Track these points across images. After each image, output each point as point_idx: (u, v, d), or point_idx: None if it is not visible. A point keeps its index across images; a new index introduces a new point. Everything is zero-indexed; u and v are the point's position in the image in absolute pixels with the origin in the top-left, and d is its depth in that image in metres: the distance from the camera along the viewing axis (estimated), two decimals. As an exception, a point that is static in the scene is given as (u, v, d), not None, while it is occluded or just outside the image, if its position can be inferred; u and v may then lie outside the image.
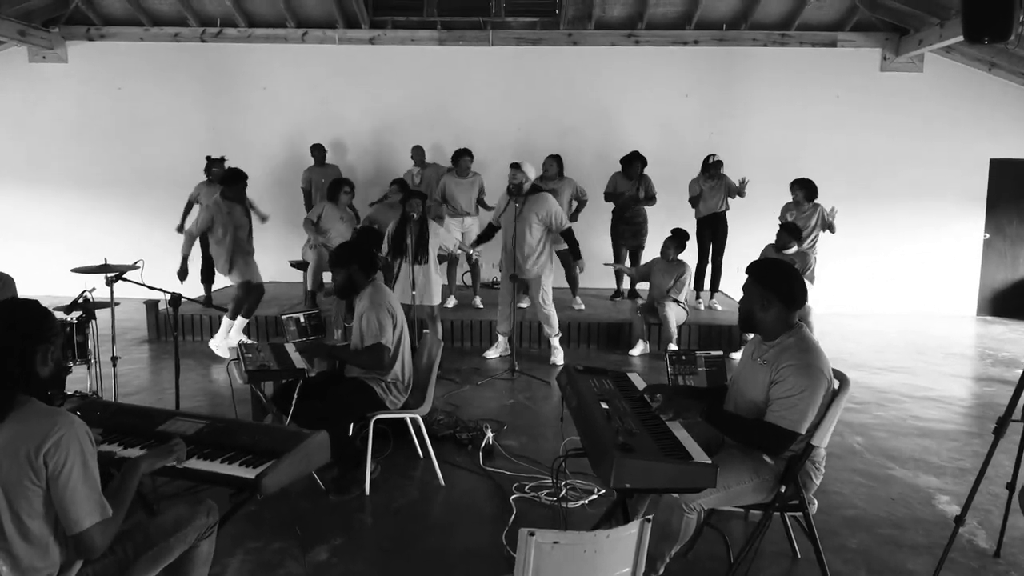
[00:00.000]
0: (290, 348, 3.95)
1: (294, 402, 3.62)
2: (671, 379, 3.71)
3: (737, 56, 8.99)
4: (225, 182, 6.37)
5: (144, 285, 4.28)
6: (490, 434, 4.40)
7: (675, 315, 6.75)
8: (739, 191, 7.51)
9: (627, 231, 8.08)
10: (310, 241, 7.21)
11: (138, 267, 4.41)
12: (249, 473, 2.20)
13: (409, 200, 5.87)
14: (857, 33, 8.85)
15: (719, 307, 7.98)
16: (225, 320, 6.51)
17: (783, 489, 2.75)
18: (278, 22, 8.98)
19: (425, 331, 6.17)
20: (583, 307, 7.73)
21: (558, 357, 6.49)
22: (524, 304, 7.81)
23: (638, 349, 6.89)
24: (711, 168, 7.66)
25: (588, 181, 8.08)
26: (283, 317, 4.61)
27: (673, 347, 6.66)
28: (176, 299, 4.17)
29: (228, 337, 6.53)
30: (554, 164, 7.61)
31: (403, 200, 6.03)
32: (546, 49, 9.02)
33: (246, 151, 8.03)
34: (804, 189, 7.26)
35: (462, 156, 7.69)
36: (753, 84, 9.02)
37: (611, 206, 8.09)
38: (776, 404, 2.67)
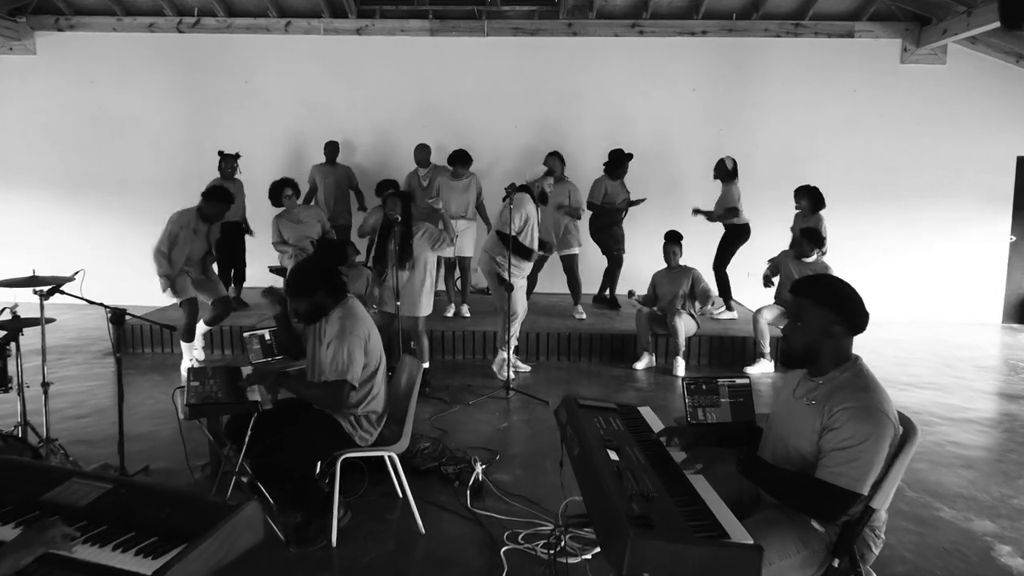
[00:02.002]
0: (247, 373, 3.41)
1: (247, 441, 3.08)
2: (688, 412, 3.17)
3: (748, 48, 8.45)
4: (207, 197, 5.78)
5: (82, 299, 3.75)
6: (480, 468, 3.86)
7: (685, 326, 6.21)
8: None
9: (620, 232, 7.57)
10: (284, 251, 6.71)
11: (75, 279, 3.86)
12: (146, 567, 1.66)
13: (387, 200, 5.34)
14: (876, 23, 8.31)
15: (735, 316, 7.49)
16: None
17: (836, 563, 2.21)
18: (260, 11, 8.45)
19: (413, 346, 5.63)
20: (584, 316, 7.20)
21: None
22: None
23: (643, 363, 6.36)
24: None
25: (586, 181, 7.54)
26: (246, 334, 4.07)
27: (680, 365, 6.11)
28: (119, 316, 3.65)
29: (193, 352, 6.07)
30: (555, 161, 7.08)
31: (383, 201, 5.50)
32: (545, 40, 8.48)
33: (227, 149, 7.48)
34: (807, 198, 6.75)
35: (460, 157, 7.13)
36: (765, 78, 8.48)
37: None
38: (831, 457, 2.14)
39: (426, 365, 5.57)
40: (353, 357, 3.10)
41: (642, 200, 7.49)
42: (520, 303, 5.81)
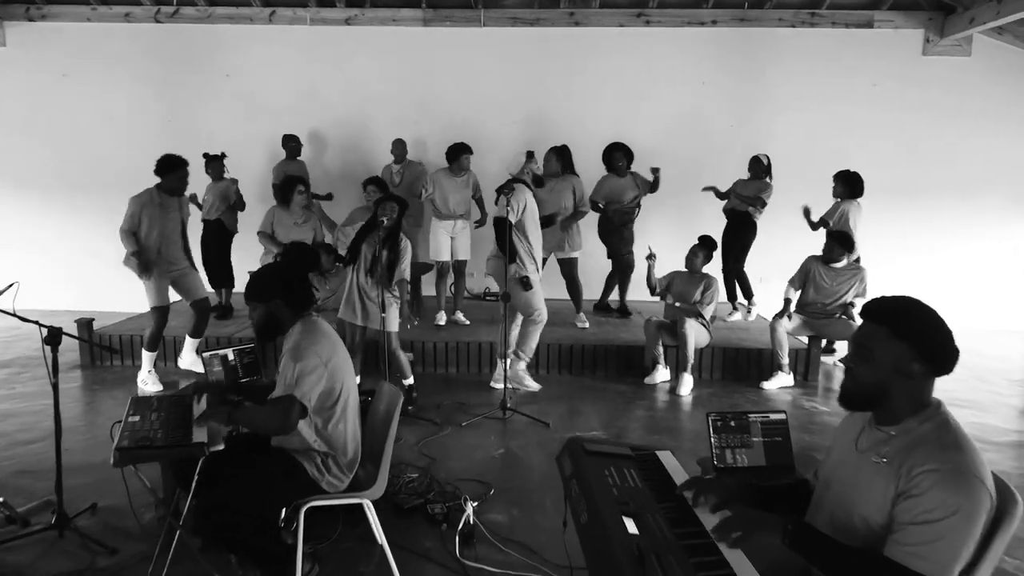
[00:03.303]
0: (198, 409, 2.92)
1: (193, 487, 2.60)
2: (715, 453, 2.69)
3: (760, 39, 7.95)
4: (160, 171, 5.32)
5: (11, 314, 3.27)
6: (471, 509, 3.37)
7: (696, 335, 5.72)
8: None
9: (632, 234, 7.05)
10: (269, 251, 6.22)
11: (7, 291, 3.37)
12: None
13: (383, 203, 4.86)
14: (896, 12, 7.81)
15: (750, 318, 7.07)
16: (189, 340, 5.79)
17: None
18: (242, 0, 7.95)
19: (400, 374, 5.15)
20: (587, 324, 6.71)
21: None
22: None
23: (656, 376, 5.85)
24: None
25: (591, 178, 7.07)
26: (205, 354, 3.59)
27: (687, 383, 5.60)
28: (55, 335, 3.17)
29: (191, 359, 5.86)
30: (553, 157, 6.56)
31: (377, 202, 5.02)
32: (545, 31, 7.98)
33: (208, 146, 7.01)
34: (841, 181, 6.46)
35: (461, 152, 6.60)
36: (778, 70, 7.98)
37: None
38: (909, 533, 1.65)
39: (410, 381, 5.09)
40: (303, 375, 2.61)
41: (653, 185, 6.92)
42: (540, 304, 5.29)
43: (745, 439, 2.71)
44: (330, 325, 2.91)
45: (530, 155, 5.46)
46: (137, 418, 2.75)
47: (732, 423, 2.73)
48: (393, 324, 4.90)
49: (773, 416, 2.76)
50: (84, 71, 8.15)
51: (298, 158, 7.53)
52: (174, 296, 5.56)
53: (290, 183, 6.24)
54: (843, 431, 2.01)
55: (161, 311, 5.41)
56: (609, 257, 7.19)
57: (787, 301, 5.96)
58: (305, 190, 6.27)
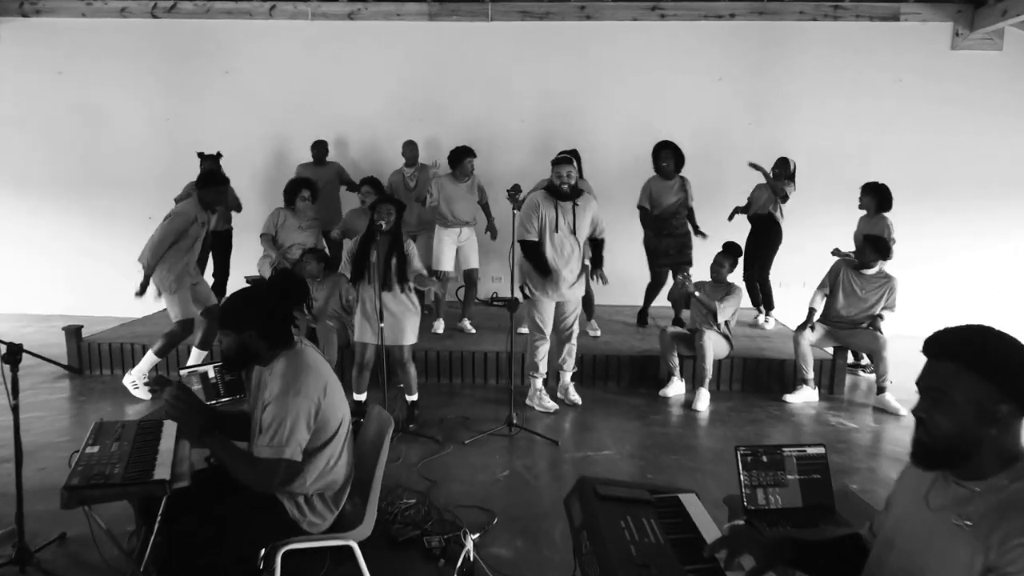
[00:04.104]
0: (167, 434, 2.64)
1: (156, 526, 2.31)
2: (745, 494, 2.38)
3: (780, 32, 7.60)
4: (202, 184, 5.27)
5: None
6: (471, 544, 3.07)
7: (714, 347, 5.40)
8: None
9: (671, 245, 6.51)
10: (268, 255, 5.95)
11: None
12: None
13: (379, 207, 4.55)
14: (924, 4, 7.44)
15: (768, 325, 6.76)
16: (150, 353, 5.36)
17: None
18: (241, -6, 7.69)
19: (399, 386, 4.86)
20: (599, 333, 6.40)
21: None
22: (523, 330, 6.51)
23: (672, 389, 5.52)
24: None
25: (603, 181, 6.75)
26: (183, 372, 3.31)
27: (704, 398, 5.27)
28: (14, 352, 2.90)
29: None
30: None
31: (372, 206, 4.70)
32: (555, 25, 7.66)
33: (206, 146, 6.75)
34: (871, 194, 6.04)
35: (464, 156, 6.22)
36: (799, 66, 7.63)
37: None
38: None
39: (414, 398, 4.79)
40: (296, 428, 2.31)
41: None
42: (536, 322, 5.10)
43: (779, 476, 2.40)
44: (315, 350, 2.60)
45: (564, 160, 4.95)
46: (96, 448, 2.47)
47: (764, 458, 2.42)
48: (411, 336, 4.62)
49: (811, 450, 2.45)
50: (79, 68, 7.90)
51: (328, 161, 7.25)
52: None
53: (295, 187, 5.97)
54: (907, 482, 1.69)
55: (187, 324, 5.29)
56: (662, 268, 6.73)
57: (811, 311, 5.62)
58: (310, 195, 5.99)
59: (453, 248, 6.37)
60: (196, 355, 5.61)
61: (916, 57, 7.53)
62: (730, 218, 6.92)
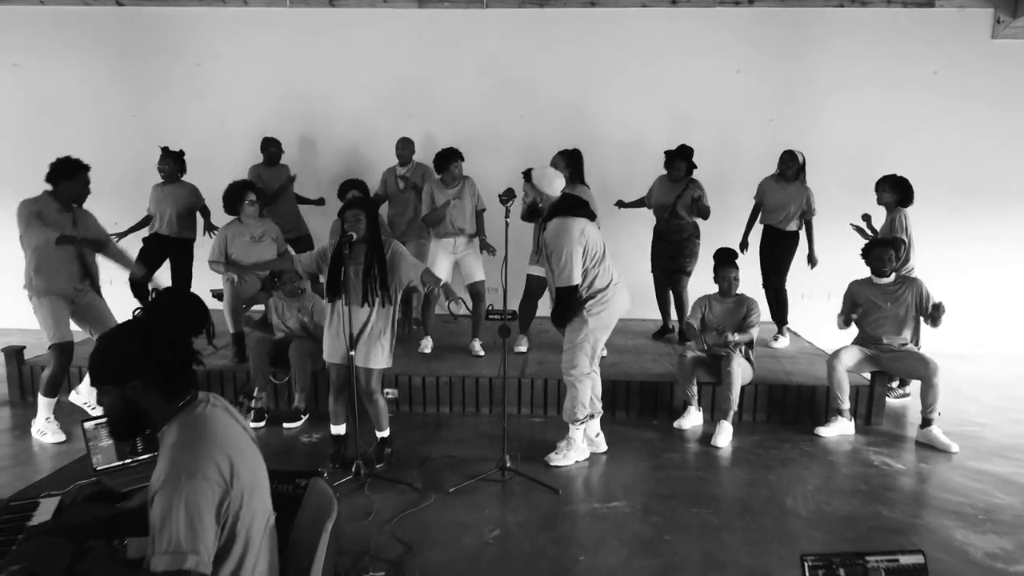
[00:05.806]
0: (47, 506, 1.98)
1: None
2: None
3: (804, 19, 6.93)
4: (53, 177, 4.58)
5: None
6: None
7: (742, 373, 4.74)
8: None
9: (664, 250, 6.06)
10: (229, 277, 5.31)
11: None
12: None
13: (346, 214, 3.89)
14: (962, -12, 6.79)
15: (778, 343, 6.13)
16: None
17: None
18: (214, -21, 7.05)
19: (375, 425, 4.18)
20: (605, 353, 5.72)
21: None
22: (523, 348, 5.86)
23: (689, 420, 4.86)
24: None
25: (610, 183, 6.11)
26: (87, 424, 2.65)
27: (726, 433, 4.59)
28: None
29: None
30: (561, 163, 5.33)
31: (340, 213, 4.02)
32: (556, 12, 7.00)
33: (176, 144, 6.11)
34: (888, 187, 5.49)
35: (451, 159, 5.50)
36: (825, 56, 6.96)
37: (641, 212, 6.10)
38: None
39: (385, 434, 4.15)
40: (199, 525, 1.64)
41: (689, 208, 5.92)
42: (574, 359, 4.14)
43: (864, 602, 1.73)
44: (226, 410, 1.93)
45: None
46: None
47: (839, 571, 1.75)
48: (380, 359, 3.95)
49: (905, 560, 1.77)
50: (37, 59, 7.25)
51: (280, 163, 6.58)
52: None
53: (236, 191, 5.31)
54: None
55: (63, 349, 4.47)
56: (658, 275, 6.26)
57: (846, 318, 4.98)
58: (256, 198, 5.34)
59: (448, 260, 5.68)
60: (89, 390, 4.91)
61: (953, 47, 6.87)
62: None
